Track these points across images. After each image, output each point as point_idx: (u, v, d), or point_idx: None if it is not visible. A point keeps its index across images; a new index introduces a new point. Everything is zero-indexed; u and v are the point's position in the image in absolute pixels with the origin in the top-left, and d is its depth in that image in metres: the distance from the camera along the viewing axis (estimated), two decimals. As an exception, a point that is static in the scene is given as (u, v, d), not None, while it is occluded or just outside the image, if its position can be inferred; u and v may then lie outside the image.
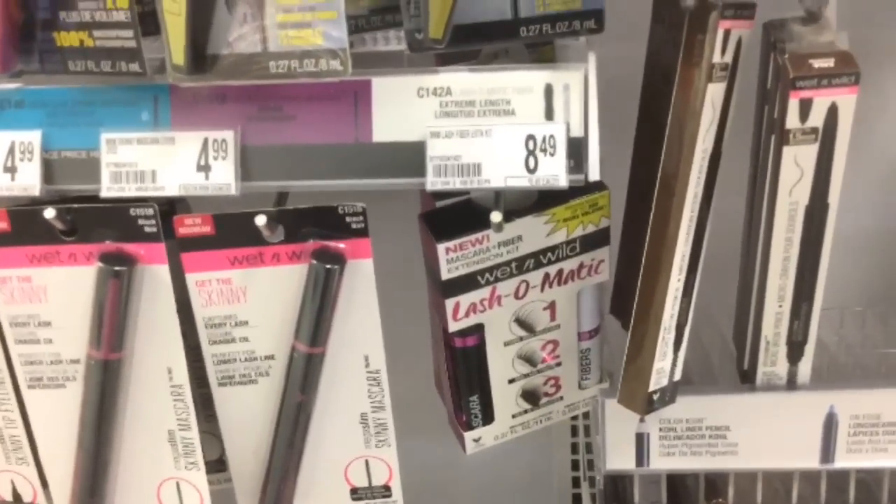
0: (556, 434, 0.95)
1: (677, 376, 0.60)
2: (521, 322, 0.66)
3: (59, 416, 0.63)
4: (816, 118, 0.51)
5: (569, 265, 0.64)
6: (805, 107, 0.50)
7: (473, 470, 0.96)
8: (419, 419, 0.78)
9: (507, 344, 0.67)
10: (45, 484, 0.67)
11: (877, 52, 0.79)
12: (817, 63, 0.50)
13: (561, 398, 0.71)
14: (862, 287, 0.88)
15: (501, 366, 0.67)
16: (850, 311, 0.83)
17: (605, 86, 0.75)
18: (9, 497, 0.68)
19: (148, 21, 0.54)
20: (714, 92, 0.52)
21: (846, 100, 0.50)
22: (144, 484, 0.65)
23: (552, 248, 0.63)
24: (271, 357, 0.62)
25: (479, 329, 0.65)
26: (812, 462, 0.63)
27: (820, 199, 0.54)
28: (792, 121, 0.51)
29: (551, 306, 0.66)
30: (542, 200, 0.62)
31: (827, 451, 0.63)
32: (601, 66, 0.75)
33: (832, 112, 0.51)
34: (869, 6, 0.71)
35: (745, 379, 0.64)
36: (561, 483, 0.97)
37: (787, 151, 0.52)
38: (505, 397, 0.69)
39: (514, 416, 0.70)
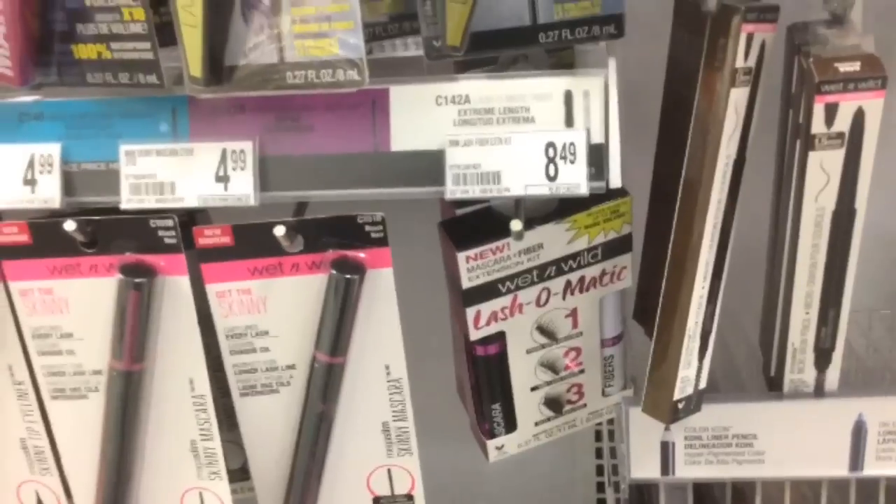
0: (580, 439, 0.94)
1: (703, 384, 0.60)
2: (542, 330, 0.65)
3: (82, 427, 0.63)
4: (842, 123, 0.50)
5: (591, 272, 0.63)
6: (831, 111, 0.49)
7: (497, 475, 0.95)
8: (442, 426, 0.77)
9: (529, 352, 0.66)
10: (69, 494, 0.67)
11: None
12: (843, 67, 0.49)
13: (584, 405, 0.70)
14: (891, 290, 0.87)
15: (524, 373, 0.67)
16: (878, 313, 0.82)
17: (627, 89, 0.75)
18: (34, 507, 0.69)
19: (165, 31, 0.54)
20: (737, 97, 0.51)
21: (873, 104, 0.49)
22: (167, 494, 0.65)
23: (574, 256, 0.62)
24: (292, 367, 0.62)
25: (500, 337, 0.65)
26: (841, 470, 0.62)
27: (847, 205, 0.53)
28: (818, 126, 0.50)
29: (573, 313, 0.65)
30: (563, 207, 0.61)
31: (856, 459, 0.61)
32: (623, 68, 0.74)
33: (858, 116, 0.50)
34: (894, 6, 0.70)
35: (772, 386, 0.63)
36: (585, 488, 0.96)
37: (813, 157, 0.51)
38: (527, 405, 0.68)
39: (536, 424, 0.70)
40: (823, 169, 0.52)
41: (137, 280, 0.58)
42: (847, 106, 0.49)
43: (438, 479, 0.80)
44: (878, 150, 0.82)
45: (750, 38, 0.50)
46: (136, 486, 0.65)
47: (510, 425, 0.69)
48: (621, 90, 0.75)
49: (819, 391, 0.61)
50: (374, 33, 0.59)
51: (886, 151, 0.81)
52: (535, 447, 0.71)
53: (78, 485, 0.65)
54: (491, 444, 0.69)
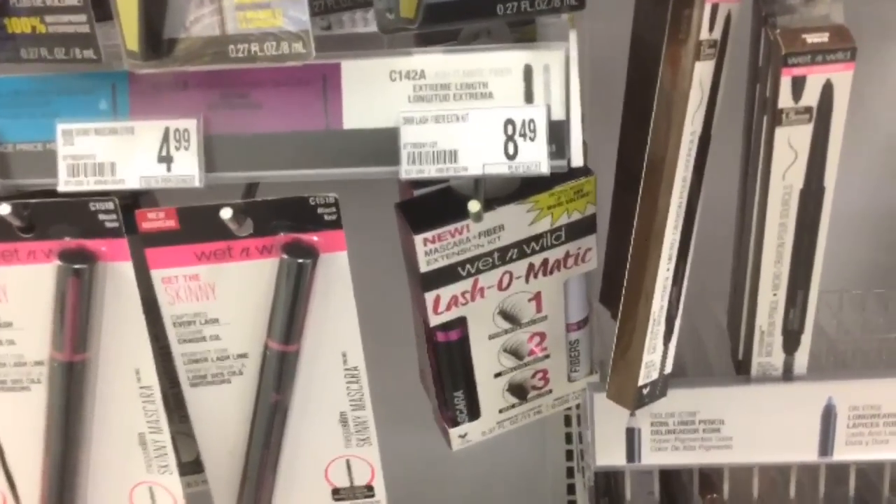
0: (550, 425, 0.93)
1: (668, 369, 0.58)
2: (505, 314, 0.63)
3: (24, 421, 0.61)
4: (810, 97, 0.48)
5: (554, 254, 0.61)
6: (798, 85, 0.47)
7: (466, 461, 0.94)
8: (406, 414, 0.75)
9: (491, 337, 0.64)
10: (13, 490, 0.64)
11: (876, 23, 0.76)
12: (811, 38, 0.47)
13: (550, 391, 0.68)
14: (862, 269, 0.86)
15: (487, 360, 0.65)
16: (849, 293, 0.81)
17: (596, 65, 0.72)
18: (-23, 503, 0.66)
19: (104, 5, 0.52)
20: (702, 71, 0.49)
21: (842, 77, 0.47)
22: (116, 489, 0.63)
23: (536, 238, 0.60)
24: (244, 356, 0.60)
25: (461, 322, 0.63)
26: (810, 455, 0.60)
27: (815, 183, 0.51)
28: (784, 100, 0.48)
29: (537, 297, 0.63)
30: (525, 187, 0.59)
31: (825, 444, 0.60)
32: (593, 44, 0.72)
33: (827, 90, 0.48)
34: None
35: (740, 370, 0.61)
36: (555, 474, 0.95)
37: (780, 132, 0.49)
38: (491, 392, 0.66)
39: (501, 411, 0.68)
40: (791, 145, 0.50)
41: (77, 266, 0.56)
42: (815, 79, 0.47)
43: (406, 464, 0.79)
44: (851, 125, 0.82)
45: (715, 8, 0.48)
46: (84, 482, 0.62)
47: (473, 413, 0.67)
48: (590, 66, 0.73)
49: (788, 375, 0.59)
50: (336, 4, 0.56)
51: (859, 126, 0.81)
52: (503, 434, 0.70)
53: (22, 480, 0.63)
54: (454, 432, 0.67)
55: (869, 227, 0.85)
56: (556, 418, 0.92)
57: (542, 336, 0.65)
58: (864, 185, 0.84)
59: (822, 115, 0.49)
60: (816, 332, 0.77)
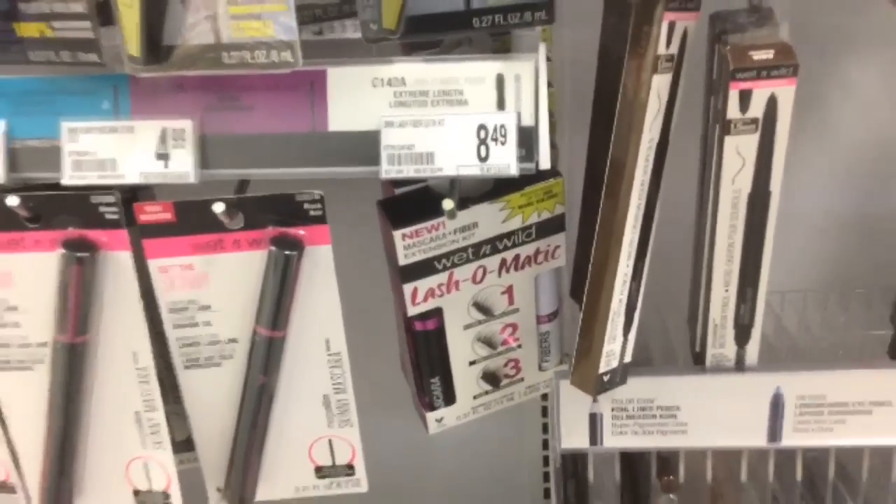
0: (528, 414, 0.97)
1: (628, 358, 0.62)
2: (479, 306, 0.67)
3: (28, 398, 0.65)
4: (756, 109, 0.52)
5: (525, 251, 0.66)
6: (745, 97, 0.52)
7: (447, 449, 0.98)
8: (391, 399, 0.79)
9: (466, 327, 0.68)
10: (17, 463, 0.68)
11: (840, 37, 0.80)
12: (757, 55, 0.51)
13: (522, 379, 0.73)
14: (826, 270, 0.90)
15: (461, 348, 0.69)
16: (812, 293, 0.85)
17: (574, 71, 0.76)
18: (-18, 476, 0.70)
19: (107, 10, 0.55)
20: (660, 83, 0.53)
21: (785, 91, 0.52)
22: (113, 463, 0.67)
23: (508, 235, 0.64)
24: (234, 340, 0.64)
25: (438, 313, 0.67)
26: (760, 441, 0.65)
27: (762, 188, 0.55)
28: (733, 111, 0.52)
29: (509, 290, 0.67)
30: (498, 188, 0.63)
31: (774, 431, 0.64)
32: (572, 50, 0.76)
33: (771, 103, 0.52)
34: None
35: (697, 360, 0.65)
36: (532, 461, 0.99)
37: (729, 141, 0.54)
38: (466, 379, 0.71)
39: (475, 397, 0.72)
40: (739, 153, 0.54)
41: (80, 255, 0.60)
42: (760, 93, 0.52)
43: (387, 449, 0.83)
44: (817, 133, 0.85)
45: (672, 25, 0.53)
46: (83, 456, 0.66)
47: (449, 398, 0.71)
48: (570, 72, 0.77)
49: (740, 365, 0.64)
50: (326, 13, 0.60)
51: (824, 134, 0.85)
52: (482, 422, 0.74)
53: (26, 454, 0.67)
54: (430, 416, 0.71)
55: (834, 229, 0.89)
56: (534, 408, 0.96)
57: (514, 327, 0.69)
58: (829, 189, 0.88)
59: (767, 126, 0.53)
60: (779, 330, 0.81)
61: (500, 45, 0.64)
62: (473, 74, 0.57)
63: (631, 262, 0.58)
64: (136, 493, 0.68)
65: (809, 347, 0.82)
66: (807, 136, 0.85)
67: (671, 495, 0.68)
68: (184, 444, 0.71)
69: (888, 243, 0.88)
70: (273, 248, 0.60)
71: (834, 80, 0.83)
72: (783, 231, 0.86)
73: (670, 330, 0.80)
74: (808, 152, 0.86)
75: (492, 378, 0.71)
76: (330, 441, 0.68)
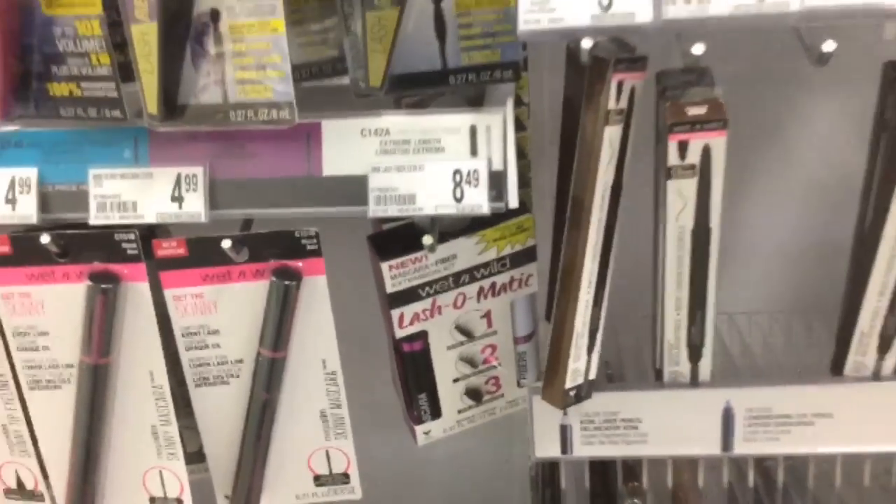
0: (517, 427, 1.03)
1: (592, 375, 0.69)
2: (461, 329, 0.74)
3: (56, 414, 0.72)
4: (693, 156, 0.60)
5: (501, 279, 0.73)
6: (683, 147, 0.59)
7: (438, 460, 1.04)
8: (385, 415, 0.86)
9: (449, 348, 0.75)
10: (45, 473, 0.75)
11: (796, 77, 0.87)
12: (692, 110, 0.58)
13: (502, 395, 0.79)
14: (790, 294, 0.96)
15: (446, 367, 0.76)
16: (777, 315, 0.91)
17: (553, 117, 0.83)
18: (13, 485, 0.77)
19: (128, 69, 0.63)
20: (611, 133, 0.61)
21: (717, 141, 0.59)
22: (131, 472, 0.74)
23: (485, 265, 0.72)
24: (240, 361, 0.71)
25: (423, 335, 0.74)
26: (714, 450, 0.71)
27: (703, 224, 0.63)
28: (673, 159, 0.60)
29: (488, 315, 0.74)
30: (475, 223, 0.70)
31: (727, 440, 0.71)
32: (550, 98, 0.83)
33: (706, 151, 0.59)
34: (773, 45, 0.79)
35: (658, 376, 0.72)
36: (521, 473, 1.05)
37: (671, 184, 0.61)
38: (450, 395, 0.77)
39: (459, 412, 0.79)
40: (681, 194, 0.61)
41: (104, 286, 0.67)
42: (696, 143, 0.59)
43: (381, 461, 0.89)
44: (778, 168, 0.91)
45: (620, 84, 0.60)
46: (104, 466, 0.74)
47: (435, 413, 0.78)
48: (550, 117, 0.84)
49: (694, 381, 0.71)
50: (321, 71, 0.68)
51: (785, 169, 0.92)
52: (473, 435, 0.79)
53: (53, 464, 0.74)
54: (419, 429, 0.78)
55: (797, 255, 0.95)
56: (523, 423, 1.03)
57: (494, 347, 0.76)
58: (791, 218, 0.94)
59: (703, 171, 0.60)
60: (743, 351, 0.88)
61: (474, 94, 0.72)
62: (450, 125, 0.64)
63: (592, 290, 0.66)
64: (152, 500, 0.75)
65: (771, 365, 0.88)
66: (771, 170, 0.92)
67: (636, 500, 0.75)
68: (195, 456, 0.77)
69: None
70: (274, 278, 0.68)
71: (794, 118, 0.90)
72: (750, 257, 0.94)
73: (642, 349, 0.87)
74: (771, 184, 0.92)
75: (474, 394, 0.78)
76: (327, 452, 0.75)
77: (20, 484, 0.76)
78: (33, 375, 0.71)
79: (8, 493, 0.77)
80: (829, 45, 0.57)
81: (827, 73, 0.79)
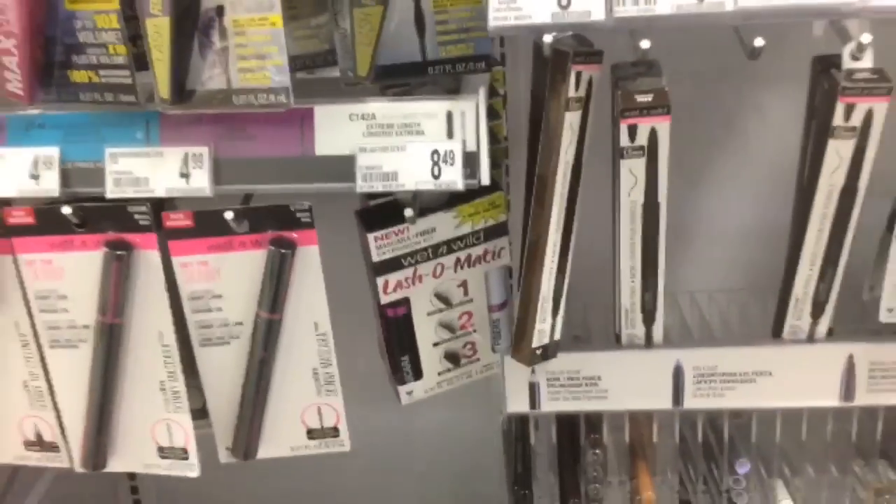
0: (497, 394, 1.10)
1: (557, 336, 0.77)
2: (439, 296, 0.82)
3: (73, 370, 0.79)
4: (642, 138, 0.67)
5: (475, 251, 0.81)
6: (632, 130, 0.67)
7: (425, 430, 1.10)
8: (375, 387, 0.93)
9: (429, 314, 0.83)
10: (61, 426, 0.82)
11: (752, 76, 0.94)
12: (640, 98, 0.66)
13: (478, 359, 0.87)
14: (748, 271, 1.03)
15: (426, 332, 0.83)
16: (735, 293, 0.99)
17: (530, 104, 0.91)
18: (32, 437, 0.84)
19: (141, 59, 0.70)
20: (571, 118, 0.69)
21: (662, 125, 0.67)
22: (141, 424, 0.81)
23: (460, 238, 0.79)
24: (240, 323, 0.78)
25: (406, 302, 0.81)
26: (666, 405, 0.79)
27: (652, 199, 0.70)
28: (624, 140, 0.68)
29: (464, 284, 0.82)
30: (452, 200, 0.78)
31: (677, 396, 0.79)
32: (526, 87, 0.91)
33: (653, 134, 0.67)
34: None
35: (617, 339, 0.80)
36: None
37: (623, 163, 0.69)
38: (431, 358, 0.85)
39: (439, 374, 0.86)
40: (632, 173, 0.69)
41: (118, 253, 0.75)
42: (644, 127, 0.67)
43: (371, 429, 0.95)
44: (741, 155, 0.98)
45: (579, 74, 0.68)
46: (117, 418, 0.81)
47: (417, 374, 0.85)
48: (526, 105, 0.92)
49: (648, 342, 0.78)
50: (314, 62, 0.75)
51: (747, 156, 0.99)
52: (457, 400, 0.87)
53: (69, 417, 0.81)
54: (402, 389, 0.86)
55: (754, 236, 1.02)
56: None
57: (470, 315, 0.84)
58: (749, 201, 1.01)
59: (651, 151, 0.68)
60: (701, 324, 0.95)
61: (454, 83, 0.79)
62: (428, 111, 0.72)
63: (556, 259, 0.73)
64: (160, 449, 0.82)
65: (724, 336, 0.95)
66: (728, 161, 0.99)
67: (597, 450, 0.83)
68: (198, 413, 0.84)
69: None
70: (272, 247, 0.75)
71: (751, 109, 0.97)
72: (710, 240, 1.01)
73: (603, 318, 0.94)
74: (729, 174, 0.99)
75: (453, 358, 0.86)
76: (318, 407, 0.82)
77: (39, 436, 0.83)
78: (53, 335, 0.79)
79: (28, 444, 0.84)
80: (759, 41, 0.65)
81: (776, 66, 0.87)
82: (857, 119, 0.68)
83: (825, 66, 0.72)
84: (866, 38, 0.67)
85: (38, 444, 0.84)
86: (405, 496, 1.13)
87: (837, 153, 0.69)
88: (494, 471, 1.08)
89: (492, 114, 0.77)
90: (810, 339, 0.78)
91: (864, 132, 0.68)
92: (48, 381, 0.81)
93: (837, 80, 0.67)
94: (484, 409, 1.09)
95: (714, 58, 0.86)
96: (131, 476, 1.10)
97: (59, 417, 0.82)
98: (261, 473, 1.10)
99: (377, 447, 1.06)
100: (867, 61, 0.68)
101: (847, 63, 0.68)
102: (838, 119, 0.68)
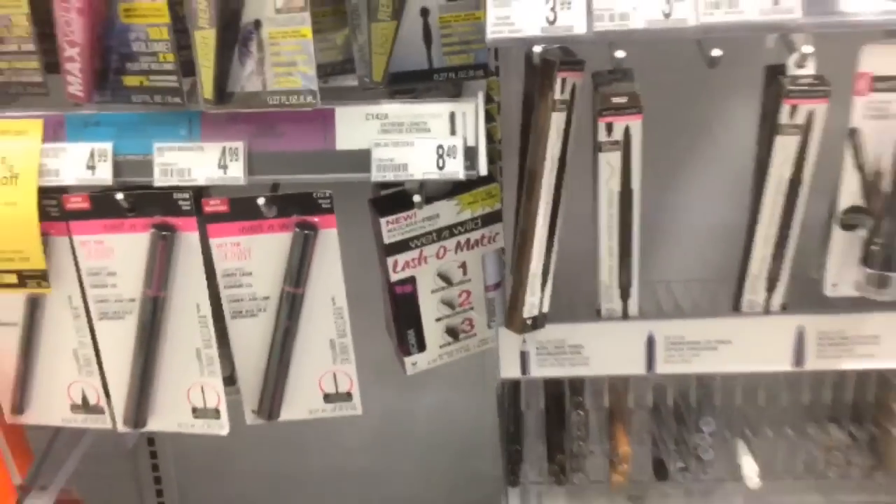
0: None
1: (545, 309, 0.88)
2: (441, 276, 0.93)
3: (119, 340, 0.89)
4: (618, 134, 0.79)
5: (474, 236, 0.92)
6: (609, 127, 0.79)
7: (428, 409, 1.21)
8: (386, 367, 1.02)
9: (433, 292, 0.93)
10: (107, 391, 0.93)
11: (721, 86, 1.05)
12: (616, 99, 0.78)
13: (475, 335, 0.97)
14: (715, 263, 1.13)
15: (430, 308, 0.94)
16: (708, 284, 1.09)
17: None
18: (79, 401, 0.95)
19: (187, 66, 0.82)
20: (557, 118, 0.80)
21: (635, 123, 0.78)
22: (179, 387, 0.91)
23: (461, 223, 0.91)
24: (267, 298, 0.89)
25: (412, 280, 0.92)
26: (640, 370, 0.90)
27: (627, 187, 0.82)
28: (602, 136, 0.79)
29: (463, 265, 0.93)
30: (454, 190, 0.89)
31: (650, 362, 0.90)
32: (517, 96, 1.02)
33: (627, 130, 0.79)
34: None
35: (598, 312, 0.91)
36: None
37: (602, 156, 0.80)
38: (433, 332, 0.95)
39: (441, 347, 0.96)
40: (609, 164, 0.81)
41: (164, 233, 0.86)
42: (619, 124, 0.78)
43: (380, 407, 1.04)
44: (709, 157, 1.09)
45: (564, 80, 0.79)
46: (157, 382, 0.91)
47: (421, 346, 0.95)
48: (516, 115, 1.03)
49: (624, 315, 0.89)
50: (333, 70, 0.87)
51: (714, 159, 1.10)
52: (456, 382, 0.96)
53: (114, 383, 0.91)
54: (407, 360, 0.96)
55: (722, 231, 1.11)
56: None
57: (468, 293, 0.95)
58: (718, 200, 1.12)
59: (625, 146, 0.80)
60: (675, 310, 1.06)
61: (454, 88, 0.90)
62: (434, 112, 0.83)
63: (544, 240, 0.85)
64: (195, 409, 0.92)
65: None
66: (700, 161, 1.09)
67: (580, 411, 0.94)
68: (227, 380, 0.94)
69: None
70: (297, 229, 0.86)
71: (718, 116, 1.08)
72: (685, 233, 1.12)
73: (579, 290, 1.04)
74: (702, 173, 1.09)
75: (452, 332, 0.97)
76: (334, 374, 0.93)
77: (84, 400, 0.93)
78: (102, 308, 0.89)
79: (74, 408, 0.94)
80: (716, 52, 0.77)
81: (733, 75, 0.98)
82: (800, 118, 0.79)
83: (775, 74, 0.83)
84: (808, 49, 0.78)
85: (84, 407, 0.94)
86: (406, 462, 1.23)
87: (784, 148, 0.81)
88: (487, 449, 1.18)
89: (487, 118, 0.88)
90: (766, 311, 0.89)
91: (807, 129, 0.80)
92: (96, 349, 0.91)
93: (784, 84, 0.79)
94: (479, 391, 1.20)
95: (680, 67, 0.94)
96: (150, 441, 1.21)
97: (104, 382, 0.92)
98: (272, 443, 1.21)
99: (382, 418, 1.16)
100: (810, 69, 0.80)
101: (792, 70, 0.79)
102: (784, 118, 0.79)
